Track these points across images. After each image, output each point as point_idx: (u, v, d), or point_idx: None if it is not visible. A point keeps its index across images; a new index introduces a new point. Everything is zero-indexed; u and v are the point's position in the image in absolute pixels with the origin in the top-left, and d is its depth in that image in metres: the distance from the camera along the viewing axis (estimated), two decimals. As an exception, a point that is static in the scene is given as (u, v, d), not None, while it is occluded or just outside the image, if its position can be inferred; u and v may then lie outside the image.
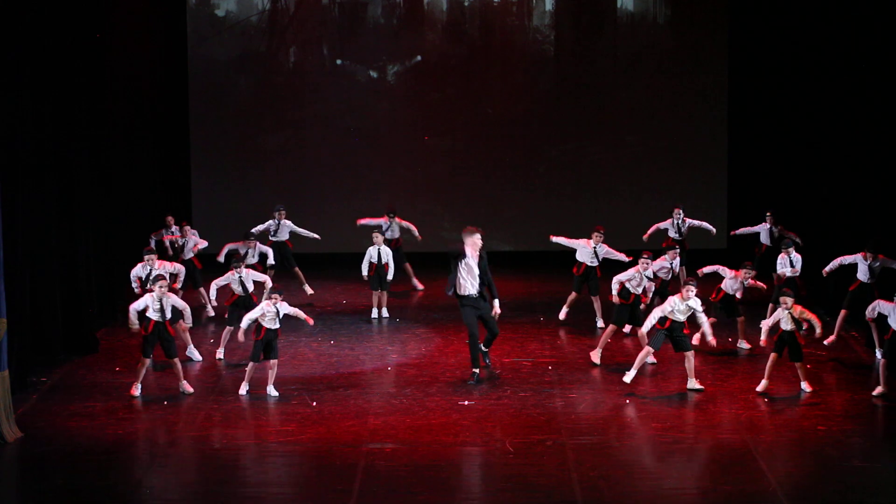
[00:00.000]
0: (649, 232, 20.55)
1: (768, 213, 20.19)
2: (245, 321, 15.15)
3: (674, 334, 15.22)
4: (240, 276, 16.65)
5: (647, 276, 16.67)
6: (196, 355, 16.74)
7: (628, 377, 15.24)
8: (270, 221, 20.22)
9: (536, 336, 18.00)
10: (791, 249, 17.88)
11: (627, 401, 14.86)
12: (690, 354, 15.26)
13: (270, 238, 20.18)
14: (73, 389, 15.44)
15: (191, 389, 15.26)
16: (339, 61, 23.95)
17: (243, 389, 15.16)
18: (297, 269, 20.16)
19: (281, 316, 15.15)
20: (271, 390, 15.10)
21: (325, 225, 21.12)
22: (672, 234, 20.60)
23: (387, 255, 19.06)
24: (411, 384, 15.60)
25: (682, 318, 15.24)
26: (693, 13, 23.77)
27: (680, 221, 20.63)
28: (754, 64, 23.11)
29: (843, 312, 17.07)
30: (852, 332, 17.78)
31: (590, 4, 23.87)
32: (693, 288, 15.30)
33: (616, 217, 22.61)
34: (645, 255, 16.78)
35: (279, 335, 15.30)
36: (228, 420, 14.32)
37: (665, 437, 13.60)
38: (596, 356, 16.39)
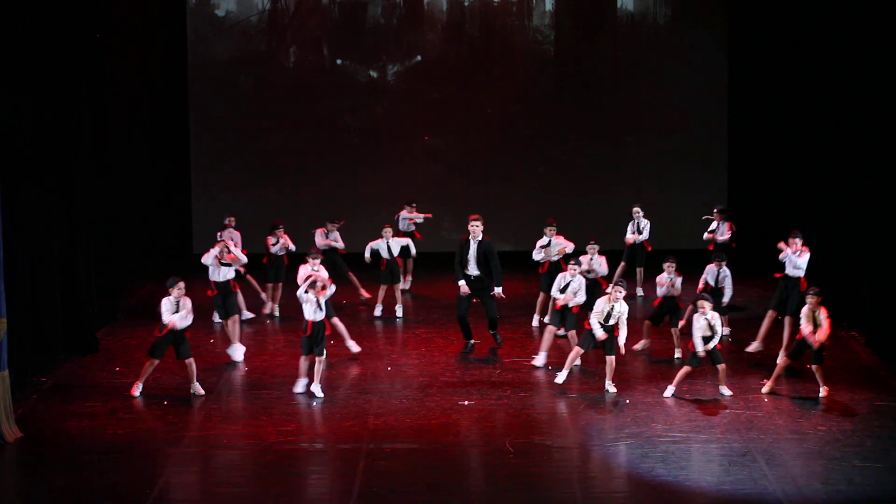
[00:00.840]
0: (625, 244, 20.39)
1: (716, 210, 19.89)
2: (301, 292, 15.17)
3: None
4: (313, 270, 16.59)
5: (575, 281, 16.20)
6: (237, 355, 16.70)
7: (560, 378, 15.29)
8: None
9: (536, 336, 17.99)
10: (724, 263, 17.32)
11: (627, 401, 14.86)
12: (611, 359, 15.19)
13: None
14: (73, 389, 15.44)
15: (202, 392, 15.22)
16: (339, 61, 23.95)
17: (298, 387, 15.12)
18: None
19: (322, 306, 15.09)
20: (316, 389, 15.09)
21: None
22: (629, 235, 20.40)
23: (397, 247, 19.05)
24: (411, 384, 15.60)
25: (611, 321, 15.12)
26: (693, 13, 23.77)
27: (639, 220, 20.49)
28: (754, 64, 23.11)
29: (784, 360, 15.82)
30: (852, 332, 17.78)
31: (590, 4, 23.87)
32: (622, 290, 15.19)
33: (616, 217, 22.54)
34: (573, 263, 16.38)
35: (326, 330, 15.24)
36: (228, 420, 14.32)
37: (665, 437, 13.60)
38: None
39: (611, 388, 15.20)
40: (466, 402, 14.84)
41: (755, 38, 23.01)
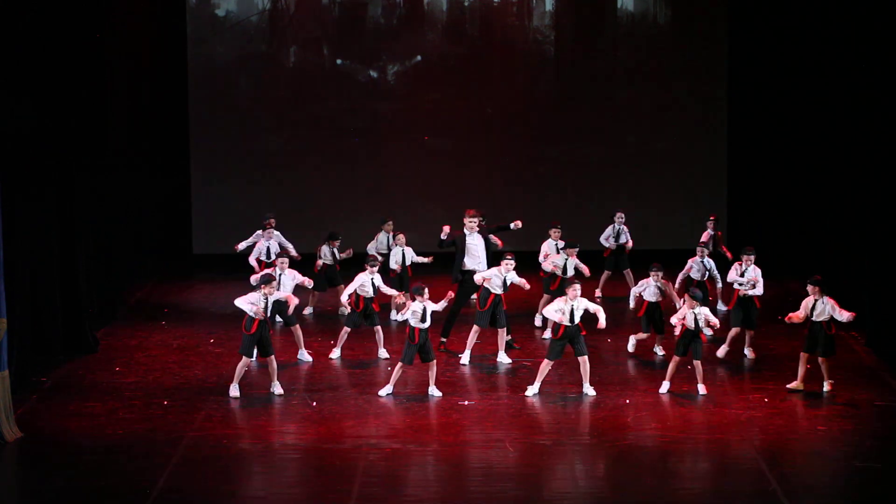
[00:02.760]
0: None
1: (711, 217, 19.84)
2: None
3: (573, 340, 15.04)
4: (371, 279, 16.49)
5: (508, 278, 16.32)
6: (306, 356, 16.63)
7: (531, 391, 15.09)
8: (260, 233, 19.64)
9: (536, 336, 18.00)
10: (706, 254, 17.77)
11: (627, 401, 14.85)
12: (584, 359, 15.07)
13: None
14: (73, 389, 15.43)
15: (281, 391, 15.14)
16: (339, 61, 23.96)
17: (385, 391, 15.07)
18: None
19: (428, 315, 14.88)
20: (434, 391, 15.01)
21: (325, 225, 21.10)
22: (609, 242, 20.25)
23: (410, 256, 19.02)
24: (411, 384, 15.59)
25: (575, 319, 14.99)
26: (693, 13, 23.78)
27: (621, 227, 20.32)
28: (754, 64, 23.12)
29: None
30: (852, 332, 17.77)
31: (590, 4, 23.89)
32: (577, 287, 15.03)
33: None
34: (509, 256, 16.42)
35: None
36: (228, 420, 14.32)
37: (665, 437, 13.60)
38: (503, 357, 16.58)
39: (590, 391, 15.07)
40: (466, 402, 14.83)
41: (755, 37, 23.01)
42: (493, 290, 16.39)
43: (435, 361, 15.12)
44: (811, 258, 20.06)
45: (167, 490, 12.19)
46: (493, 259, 17.21)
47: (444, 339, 17.14)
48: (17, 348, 14.71)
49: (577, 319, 14.95)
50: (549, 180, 23.92)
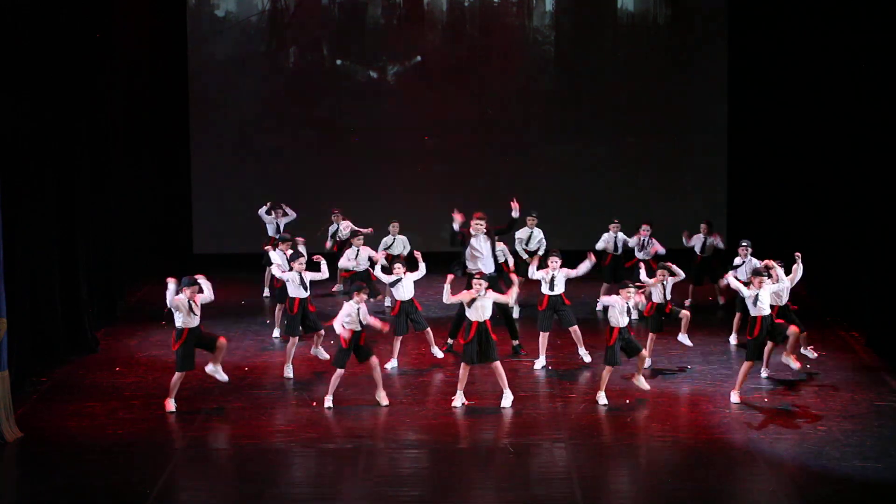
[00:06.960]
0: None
1: (704, 223, 19.82)
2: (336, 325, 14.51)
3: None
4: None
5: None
6: (438, 352, 16.70)
7: (538, 364, 16.13)
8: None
9: (536, 336, 17.97)
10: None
11: (628, 401, 14.85)
12: (574, 329, 16.23)
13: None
14: (73, 389, 15.45)
15: (326, 356, 15.53)
16: (339, 61, 23.97)
17: (328, 402, 14.79)
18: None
19: (364, 319, 14.55)
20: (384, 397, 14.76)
21: (325, 225, 21.09)
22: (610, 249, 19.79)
23: (402, 244, 19.15)
24: (411, 384, 15.60)
25: (556, 289, 16.09)
26: (693, 13, 23.79)
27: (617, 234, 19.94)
28: (754, 64, 23.13)
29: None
30: (852, 332, 17.78)
31: (590, 5, 23.90)
32: (558, 259, 16.05)
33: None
34: (477, 275, 15.17)
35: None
36: (228, 420, 14.32)
37: (665, 437, 13.60)
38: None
39: (586, 356, 16.24)
40: (466, 402, 14.83)
41: (755, 38, 23.03)
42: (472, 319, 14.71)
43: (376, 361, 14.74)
44: (811, 258, 20.04)
45: (167, 490, 12.20)
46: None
47: (450, 341, 17.10)
48: (17, 348, 14.72)
49: (558, 290, 16.07)
50: (549, 180, 23.92)
